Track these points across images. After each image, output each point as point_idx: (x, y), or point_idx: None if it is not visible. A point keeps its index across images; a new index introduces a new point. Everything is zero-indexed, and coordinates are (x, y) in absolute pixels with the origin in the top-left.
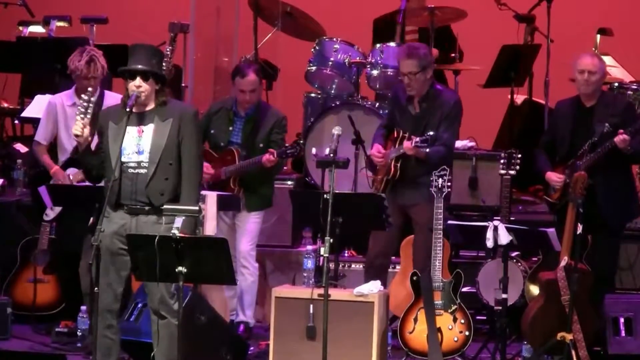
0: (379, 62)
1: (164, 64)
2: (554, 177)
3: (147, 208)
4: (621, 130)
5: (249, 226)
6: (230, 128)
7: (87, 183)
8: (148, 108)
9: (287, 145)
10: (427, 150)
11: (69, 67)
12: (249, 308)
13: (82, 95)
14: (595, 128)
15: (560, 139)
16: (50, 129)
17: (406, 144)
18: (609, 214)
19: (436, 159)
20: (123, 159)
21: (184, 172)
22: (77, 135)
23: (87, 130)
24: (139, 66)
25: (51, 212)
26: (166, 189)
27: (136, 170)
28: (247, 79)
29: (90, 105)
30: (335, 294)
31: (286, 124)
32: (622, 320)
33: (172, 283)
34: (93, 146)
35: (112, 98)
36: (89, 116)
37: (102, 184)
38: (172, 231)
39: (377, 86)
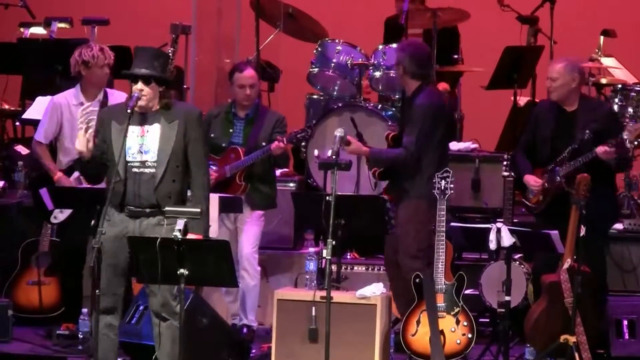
0: (382, 63)
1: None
2: (532, 181)
3: (148, 210)
4: (607, 144)
5: (252, 228)
6: (231, 130)
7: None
8: (152, 109)
9: (296, 130)
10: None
11: (82, 59)
12: (251, 311)
13: (81, 109)
14: (577, 134)
15: (541, 142)
16: (54, 129)
17: None
18: (595, 219)
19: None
20: (127, 159)
21: (193, 174)
22: (80, 152)
23: (91, 144)
24: (140, 71)
25: (60, 215)
26: (173, 192)
27: (140, 170)
28: (245, 74)
29: (92, 118)
30: (338, 296)
31: (286, 124)
32: (625, 322)
33: (174, 285)
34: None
35: (116, 96)
36: (91, 130)
37: (102, 185)
38: (174, 233)
39: (380, 87)
